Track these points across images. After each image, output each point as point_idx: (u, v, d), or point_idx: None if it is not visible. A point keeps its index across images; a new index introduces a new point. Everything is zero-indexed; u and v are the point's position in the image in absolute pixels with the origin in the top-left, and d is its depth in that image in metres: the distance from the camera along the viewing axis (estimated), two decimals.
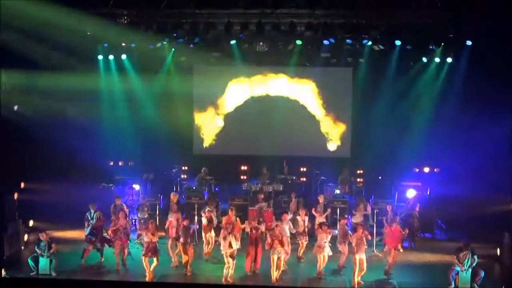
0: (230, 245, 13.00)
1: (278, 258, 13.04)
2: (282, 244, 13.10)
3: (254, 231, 13.62)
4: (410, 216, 16.20)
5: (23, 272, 13.64)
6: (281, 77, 20.02)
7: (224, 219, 14.23)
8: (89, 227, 14.32)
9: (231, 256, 13.02)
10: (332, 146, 20.13)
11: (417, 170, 18.79)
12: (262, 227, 13.90)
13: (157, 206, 17.10)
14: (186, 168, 19.44)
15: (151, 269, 13.18)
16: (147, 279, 13.03)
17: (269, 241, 13.12)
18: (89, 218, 14.58)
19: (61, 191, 16.93)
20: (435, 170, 18.53)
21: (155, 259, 13.16)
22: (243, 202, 17.29)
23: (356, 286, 13.00)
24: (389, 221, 14.87)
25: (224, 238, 13.09)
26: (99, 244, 14.26)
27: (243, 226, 13.96)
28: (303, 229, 14.59)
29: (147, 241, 13.11)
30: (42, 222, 16.38)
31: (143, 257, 13.10)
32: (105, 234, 14.36)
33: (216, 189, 18.87)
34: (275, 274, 13.08)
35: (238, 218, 14.30)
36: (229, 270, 13.03)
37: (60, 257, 13.87)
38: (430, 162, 18.66)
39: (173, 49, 18.39)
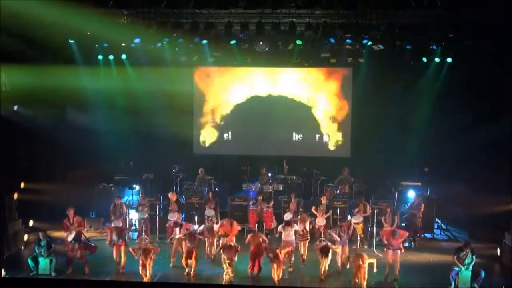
0: (230, 252, 13.02)
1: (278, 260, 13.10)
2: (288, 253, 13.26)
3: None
4: (414, 216, 16.20)
5: (23, 272, 13.66)
6: (281, 77, 20.04)
7: (220, 229, 14.23)
8: (73, 233, 13.84)
9: (230, 264, 13.01)
10: (332, 145, 20.15)
11: (417, 170, 18.76)
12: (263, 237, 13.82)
13: (157, 206, 17.12)
14: (186, 168, 19.41)
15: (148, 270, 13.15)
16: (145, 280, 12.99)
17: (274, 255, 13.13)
18: (70, 224, 14.18)
19: (61, 191, 16.93)
20: (435, 170, 18.49)
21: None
22: (243, 202, 17.32)
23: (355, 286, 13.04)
24: (387, 222, 14.87)
25: (223, 247, 13.13)
26: (79, 253, 13.72)
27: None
28: (302, 229, 14.59)
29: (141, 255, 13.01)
30: (42, 222, 16.40)
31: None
32: (84, 239, 14.03)
33: (216, 189, 18.87)
34: (276, 277, 13.10)
35: (234, 222, 14.35)
36: (228, 276, 13.03)
37: (60, 257, 13.88)
38: (430, 162, 18.64)
39: (173, 49, 18.36)
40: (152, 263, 13.06)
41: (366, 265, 12.67)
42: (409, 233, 15.96)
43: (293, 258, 14.03)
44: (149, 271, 12.96)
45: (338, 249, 13.67)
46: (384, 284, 13.40)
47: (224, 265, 13.07)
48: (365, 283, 12.75)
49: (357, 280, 12.79)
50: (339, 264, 13.96)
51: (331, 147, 20.15)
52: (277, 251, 13.09)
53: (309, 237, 14.58)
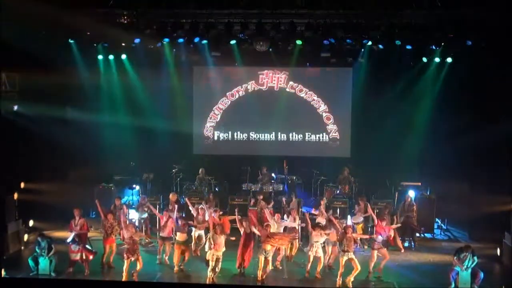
0: (217, 247, 13.08)
1: (266, 258, 13.16)
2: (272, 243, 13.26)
3: (248, 232, 13.63)
4: (409, 217, 16.18)
5: (23, 272, 13.66)
6: (281, 77, 20.03)
7: (210, 221, 14.27)
8: (72, 235, 13.88)
9: (217, 258, 13.06)
10: (332, 145, 20.15)
11: (417, 170, 18.74)
12: (255, 229, 13.80)
13: (157, 206, 17.11)
14: (186, 168, 19.41)
15: (135, 272, 13.22)
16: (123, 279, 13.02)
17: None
18: (74, 225, 14.25)
19: (61, 191, 16.92)
20: (435, 169, 18.47)
21: (137, 262, 13.19)
22: (243, 202, 17.32)
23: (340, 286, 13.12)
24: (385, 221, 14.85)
25: (211, 239, 13.23)
26: (79, 255, 13.68)
27: (242, 226, 13.78)
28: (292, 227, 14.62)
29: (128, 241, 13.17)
30: (42, 222, 16.40)
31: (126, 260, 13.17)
32: (87, 245, 14.04)
33: (216, 189, 18.88)
34: (260, 273, 13.16)
35: (223, 217, 14.45)
36: (213, 272, 13.07)
37: (60, 258, 13.88)
38: (430, 162, 18.62)
39: (173, 49, 18.38)
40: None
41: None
42: (407, 234, 16.09)
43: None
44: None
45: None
46: (384, 284, 13.42)
47: (211, 262, 13.10)
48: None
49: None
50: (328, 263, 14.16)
51: (331, 147, 20.14)
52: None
53: (296, 236, 14.63)
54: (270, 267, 13.49)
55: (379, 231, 13.79)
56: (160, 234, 14.56)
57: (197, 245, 14.89)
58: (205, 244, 14.26)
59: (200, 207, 15.17)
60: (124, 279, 12.99)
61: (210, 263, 13.12)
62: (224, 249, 13.21)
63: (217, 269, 13.10)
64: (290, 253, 14.72)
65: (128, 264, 13.11)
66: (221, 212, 14.96)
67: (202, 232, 14.86)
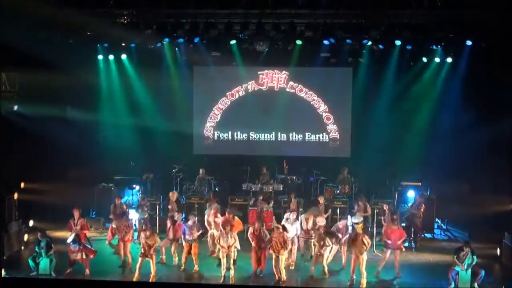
0: (228, 243, 13.12)
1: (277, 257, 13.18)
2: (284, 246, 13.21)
3: (256, 233, 13.59)
4: (415, 216, 16.18)
5: (23, 272, 13.67)
6: (281, 77, 20.04)
7: (221, 219, 14.28)
8: (72, 235, 13.88)
9: (228, 255, 13.09)
10: (332, 145, 20.15)
11: (417, 170, 18.74)
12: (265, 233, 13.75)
13: (157, 206, 17.12)
14: (186, 168, 19.41)
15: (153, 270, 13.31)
16: (134, 279, 13.07)
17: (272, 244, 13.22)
18: (73, 225, 14.26)
19: (60, 191, 16.92)
20: (435, 169, 18.48)
21: (150, 261, 13.23)
22: (243, 202, 17.33)
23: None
24: (386, 221, 14.85)
25: (221, 236, 13.25)
26: (79, 255, 13.65)
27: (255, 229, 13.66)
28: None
29: (143, 242, 13.24)
30: (42, 222, 16.41)
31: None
32: (87, 245, 14.04)
33: (216, 189, 18.88)
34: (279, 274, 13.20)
35: (236, 217, 14.42)
36: (226, 271, 13.06)
37: (60, 257, 13.88)
38: (430, 162, 18.63)
39: (173, 49, 18.38)
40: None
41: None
42: (408, 234, 16.08)
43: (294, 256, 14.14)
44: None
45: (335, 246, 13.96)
46: (384, 284, 13.42)
47: (222, 260, 13.13)
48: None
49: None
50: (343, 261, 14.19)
51: (331, 147, 20.15)
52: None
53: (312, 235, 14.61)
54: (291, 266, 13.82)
55: (390, 235, 13.80)
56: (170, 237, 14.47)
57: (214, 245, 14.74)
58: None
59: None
60: (135, 278, 13.05)
61: (222, 261, 13.19)
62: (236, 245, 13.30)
63: (231, 271, 13.14)
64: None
65: (141, 262, 13.21)
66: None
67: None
